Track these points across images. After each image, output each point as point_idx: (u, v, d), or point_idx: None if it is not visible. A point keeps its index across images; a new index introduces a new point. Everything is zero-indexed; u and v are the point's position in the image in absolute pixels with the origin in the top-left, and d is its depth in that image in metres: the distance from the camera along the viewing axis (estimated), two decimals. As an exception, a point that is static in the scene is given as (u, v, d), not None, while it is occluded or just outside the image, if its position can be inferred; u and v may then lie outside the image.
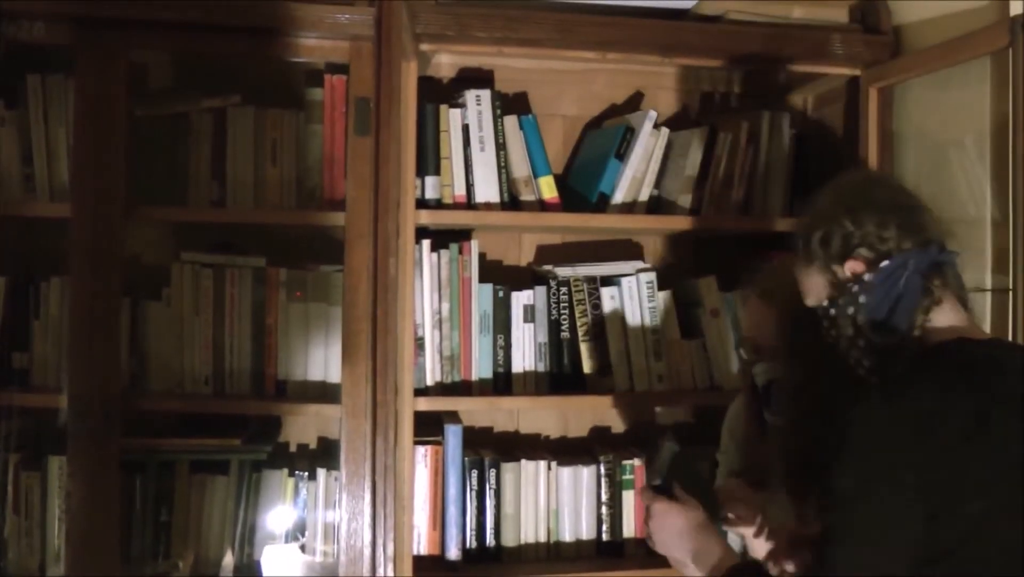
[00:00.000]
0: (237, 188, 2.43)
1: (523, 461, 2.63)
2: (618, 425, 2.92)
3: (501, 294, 2.59)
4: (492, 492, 2.59)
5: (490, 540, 2.59)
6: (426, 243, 2.54)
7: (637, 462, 2.68)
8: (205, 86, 2.47)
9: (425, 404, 2.48)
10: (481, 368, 2.56)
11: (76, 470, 2.17)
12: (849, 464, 1.50)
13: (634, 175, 2.63)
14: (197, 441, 2.46)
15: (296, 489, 2.50)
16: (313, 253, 2.51)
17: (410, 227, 2.43)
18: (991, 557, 1.48)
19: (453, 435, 2.55)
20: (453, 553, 2.54)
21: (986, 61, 2.21)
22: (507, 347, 2.59)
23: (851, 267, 1.69)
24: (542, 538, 2.63)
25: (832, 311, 1.72)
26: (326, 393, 2.42)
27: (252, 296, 2.46)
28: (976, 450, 1.47)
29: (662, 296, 2.66)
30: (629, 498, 2.66)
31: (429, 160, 2.53)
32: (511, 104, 2.78)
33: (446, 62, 2.79)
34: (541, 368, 2.61)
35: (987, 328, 2.18)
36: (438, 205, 2.53)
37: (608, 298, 2.63)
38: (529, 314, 2.60)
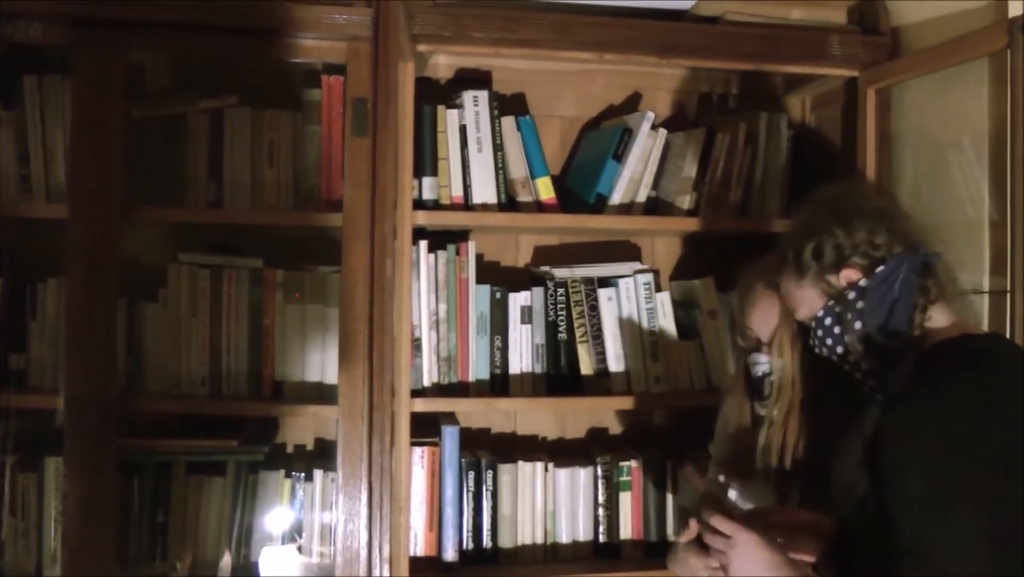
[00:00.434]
0: (234, 189, 2.43)
1: (520, 462, 2.63)
2: (615, 426, 2.92)
3: (498, 295, 2.59)
4: (489, 493, 2.59)
5: (487, 541, 2.59)
6: (423, 244, 2.54)
7: (634, 464, 2.68)
8: (202, 87, 2.47)
9: (422, 405, 2.48)
10: (478, 369, 2.56)
11: (73, 471, 2.17)
12: (918, 471, 1.50)
13: (632, 176, 2.62)
14: (194, 442, 2.45)
15: (293, 490, 2.49)
16: (310, 254, 2.51)
17: (407, 228, 2.43)
18: None
19: (450, 436, 2.56)
20: (450, 554, 2.55)
21: (984, 62, 2.21)
22: (504, 348, 2.59)
23: (847, 276, 1.73)
24: (539, 539, 2.63)
25: (828, 320, 1.73)
26: (323, 394, 2.41)
27: (249, 297, 2.46)
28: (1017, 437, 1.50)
29: (660, 297, 2.66)
30: (626, 500, 2.66)
31: (426, 161, 2.53)
32: (509, 105, 2.78)
33: (443, 63, 2.78)
34: (538, 369, 2.60)
35: (984, 329, 2.18)
36: (435, 206, 2.53)
37: (605, 299, 2.63)
38: (526, 315, 2.60)
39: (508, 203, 2.59)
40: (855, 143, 2.59)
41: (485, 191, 2.55)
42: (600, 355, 2.61)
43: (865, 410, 1.72)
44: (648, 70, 2.83)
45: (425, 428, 2.58)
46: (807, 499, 1.94)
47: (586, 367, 2.61)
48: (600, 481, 2.66)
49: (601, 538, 2.65)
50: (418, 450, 2.55)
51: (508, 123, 2.58)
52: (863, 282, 1.71)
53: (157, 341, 2.43)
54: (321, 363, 2.46)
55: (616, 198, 2.61)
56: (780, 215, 2.68)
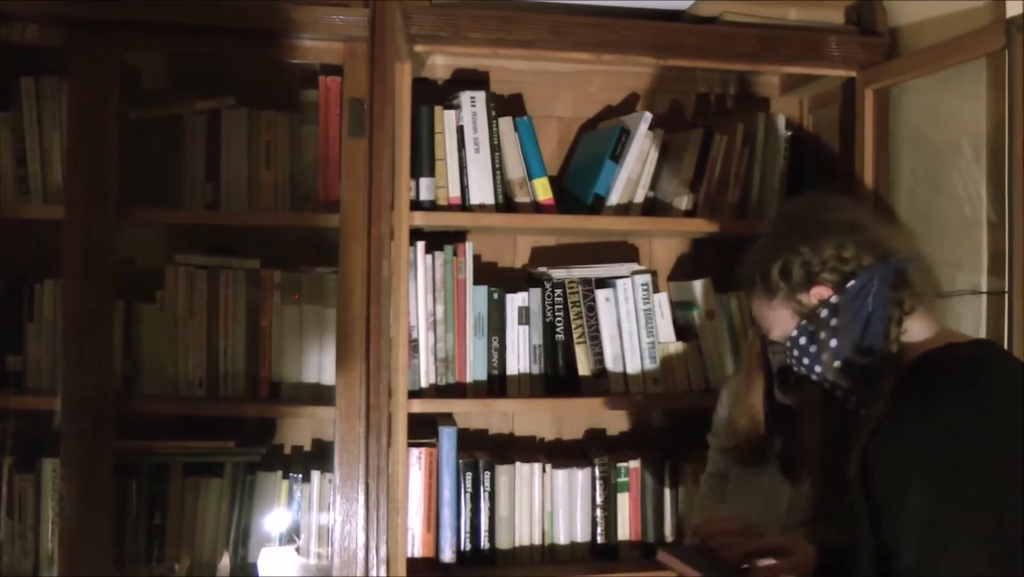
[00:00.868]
0: (231, 190, 2.43)
1: (517, 463, 2.63)
2: (613, 427, 2.92)
3: (496, 296, 2.59)
4: (486, 494, 2.59)
5: (484, 542, 2.59)
6: (420, 245, 2.54)
7: (632, 465, 2.68)
8: (199, 88, 2.47)
9: (419, 406, 2.48)
10: (475, 370, 2.56)
11: (70, 473, 2.16)
12: (914, 494, 1.47)
13: (629, 177, 2.62)
14: (191, 443, 2.45)
15: (290, 491, 2.49)
16: (307, 255, 2.51)
17: (404, 229, 2.43)
18: None
19: (447, 437, 2.56)
20: (447, 555, 2.55)
21: (982, 63, 2.21)
22: (501, 349, 2.59)
23: (817, 293, 1.68)
24: (536, 540, 2.63)
25: (802, 340, 1.70)
26: (320, 395, 2.41)
27: (246, 298, 2.46)
28: (1009, 447, 1.48)
29: (657, 298, 2.66)
30: (624, 501, 2.66)
31: (423, 162, 2.53)
32: (506, 105, 2.78)
33: (441, 63, 2.78)
34: (536, 370, 2.60)
35: (982, 330, 2.18)
36: (432, 207, 2.53)
37: (603, 300, 2.63)
38: (524, 316, 2.60)
39: (505, 204, 2.58)
40: (853, 144, 2.58)
41: (482, 192, 2.55)
42: (598, 356, 2.61)
43: (857, 426, 1.70)
44: (646, 71, 2.83)
45: (422, 429, 2.58)
46: (821, 488, 1.93)
47: (584, 368, 2.60)
48: (598, 482, 2.66)
49: (599, 539, 2.65)
50: (415, 451, 2.55)
51: (505, 124, 2.58)
52: (834, 299, 1.67)
53: (154, 342, 2.43)
54: (318, 364, 2.46)
55: (614, 199, 2.61)
56: (778, 216, 2.67)
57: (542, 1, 2.56)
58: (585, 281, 2.64)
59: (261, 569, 2.39)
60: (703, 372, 2.68)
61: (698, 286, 2.70)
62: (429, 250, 2.55)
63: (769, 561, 1.77)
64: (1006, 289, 2.08)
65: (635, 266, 2.74)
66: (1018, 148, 2.04)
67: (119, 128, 2.21)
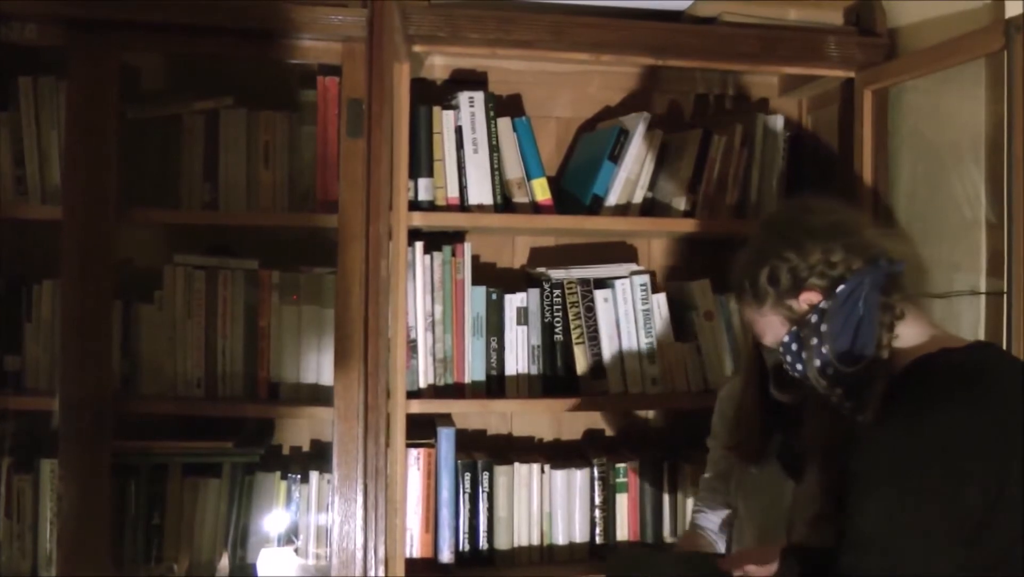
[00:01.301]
0: (230, 190, 2.43)
1: (516, 464, 2.63)
2: (612, 428, 2.91)
3: (494, 296, 2.59)
4: (485, 495, 2.59)
5: (483, 543, 2.59)
6: (419, 245, 2.53)
7: (630, 465, 2.68)
8: (197, 88, 2.47)
9: (418, 407, 2.48)
10: (474, 370, 2.56)
11: (68, 473, 2.16)
12: (874, 499, 1.47)
13: (628, 177, 2.62)
14: (189, 444, 2.45)
15: (289, 492, 2.49)
16: (306, 255, 2.50)
17: (403, 229, 2.43)
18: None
19: (446, 438, 2.56)
20: (446, 556, 2.54)
21: (981, 63, 2.21)
22: (500, 349, 2.59)
23: (806, 298, 1.66)
24: (535, 541, 2.62)
25: (794, 346, 1.69)
26: (319, 396, 2.41)
27: (245, 298, 2.45)
28: (1002, 460, 1.46)
29: (656, 299, 2.66)
30: (622, 501, 2.66)
31: (422, 162, 2.53)
32: (504, 106, 2.78)
33: (439, 64, 2.78)
34: (534, 371, 2.60)
35: (981, 331, 2.18)
36: (431, 207, 2.53)
37: (602, 301, 2.63)
38: (522, 316, 2.60)
39: (504, 204, 2.58)
40: (852, 144, 2.58)
41: (481, 192, 2.55)
42: (596, 356, 2.61)
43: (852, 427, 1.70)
44: (644, 71, 2.83)
45: (421, 429, 2.58)
46: (831, 483, 1.93)
47: (582, 368, 2.60)
48: (596, 482, 2.66)
49: (597, 540, 2.65)
50: (414, 452, 2.55)
51: (504, 124, 2.58)
52: (824, 304, 1.64)
53: (152, 343, 2.43)
54: (317, 364, 2.46)
55: (612, 199, 2.61)
56: (777, 216, 2.67)
57: (541, 1, 2.56)
58: (584, 281, 2.64)
59: (260, 569, 2.39)
60: (702, 373, 2.67)
61: (696, 287, 2.70)
62: (427, 250, 2.55)
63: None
64: (1005, 290, 2.08)
65: (633, 266, 2.74)
66: (1017, 149, 2.04)
67: (117, 128, 2.21)
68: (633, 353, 2.63)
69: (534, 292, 2.62)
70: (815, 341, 1.65)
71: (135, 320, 2.43)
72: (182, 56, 2.55)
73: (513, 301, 2.60)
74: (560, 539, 2.64)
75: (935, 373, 1.56)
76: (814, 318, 1.65)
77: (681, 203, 2.64)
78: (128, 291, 2.40)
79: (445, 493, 2.55)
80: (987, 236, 2.21)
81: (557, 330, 2.62)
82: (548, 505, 2.64)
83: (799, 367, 1.69)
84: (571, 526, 2.65)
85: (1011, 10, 2.12)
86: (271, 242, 2.54)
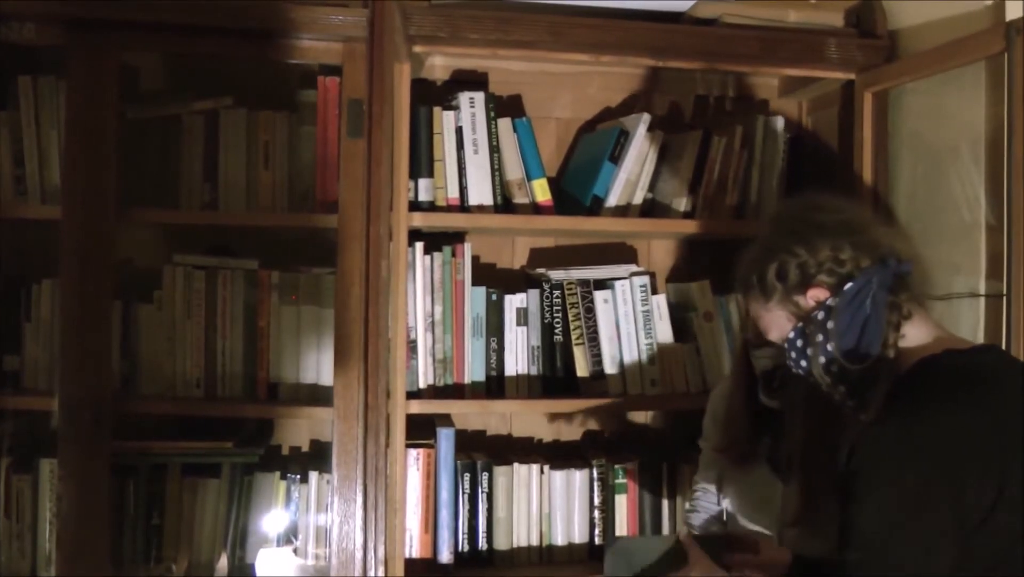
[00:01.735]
0: (229, 190, 2.42)
1: (515, 464, 2.63)
2: (611, 429, 2.91)
3: (494, 297, 2.59)
4: (484, 495, 2.59)
5: (482, 543, 2.59)
6: (419, 246, 2.53)
7: (630, 466, 2.68)
8: (197, 88, 2.47)
9: (417, 407, 2.48)
10: (474, 371, 2.56)
11: (67, 473, 2.16)
12: (875, 498, 1.47)
13: (628, 178, 2.62)
14: (189, 444, 2.45)
15: (288, 492, 2.49)
16: (306, 256, 2.50)
17: (403, 230, 2.43)
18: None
19: (445, 438, 2.56)
20: (445, 556, 2.54)
21: (981, 66, 2.21)
22: (500, 350, 2.59)
23: (814, 295, 1.66)
24: (534, 541, 2.63)
25: (799, 342, 1.69)
26: (318, 396, 2.41)
27: (244, 299, 2.45)
28: (1003, 462, 1.46)
29: (655, 300, 2.66)
30: (621, 502, 2.66)
31: (422, 162, 2.52)
32: (505, 106, 2.78)
33: (439, 64, 2.78)
34: (534, 371, 2.60)
35: (980, 333, 2.18)
36: (431, 207, 2.53)
37: (601, 301, 2.63)
38: (522, 317, 2.60)
39: (504, 205, 2.58)
40: (852, 146, 2.59)
41: (481, 193, 2.55)
42: (596, 357, 2.61)
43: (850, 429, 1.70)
44: (644, 72, 2.83)
45: (420, 430, 2.57)
46: (809, 488, 1.94)
47: (582, 369, 2.60)
48: (596, 483, 2.66)
49: (597, 540, 2.65)
50: (413, 452, 2.54)
51: (504, 125, 2.58)
52: (831, 301, 1.64)
53: (152, 343, 2.43)
54: (316, 365, 2.46)
55: (612, 200, 2.61)
56: (776, 217, 2.67)
57: (541, 2, 2.55)
58: (583, 282, 2.64)
59: (259, 570, 2.39)
60: (701, 374, 2.68)
61: (696, 288, 2.70)
62: (428, 251, 2.55)
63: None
64: (1004, 292, 2.08)
65: (633, 267, 2.74)
66: (1017, 151, 2.04)
67: (117, 128, 2.21)
68: (633, 354, 2.63)
69: (534, 293, 2.62)
70: (821, 338, 1.65)
71: (134, 320, 2.43)
72: (182, 56, 2.55)
73: (513, 302, 2.60)
74: (559, 540, 2.64)
75: (939, 374, 1.56)
76: (821, 315, 1.65)
77: (681, 204, 2.64)
78: (127, 291, 2.39)
79: (444, 493, 2.55)
80: (987, 238, 2.21)
81: (557, 331, 2.62)
82: (547, 506, 2.64)
83: (803, 364, 1.69)
84: (570, 527, 2.65)
85: (1012, 12, 2.12)
86: (271, 242, 2.54)
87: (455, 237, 2.65)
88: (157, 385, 2.42)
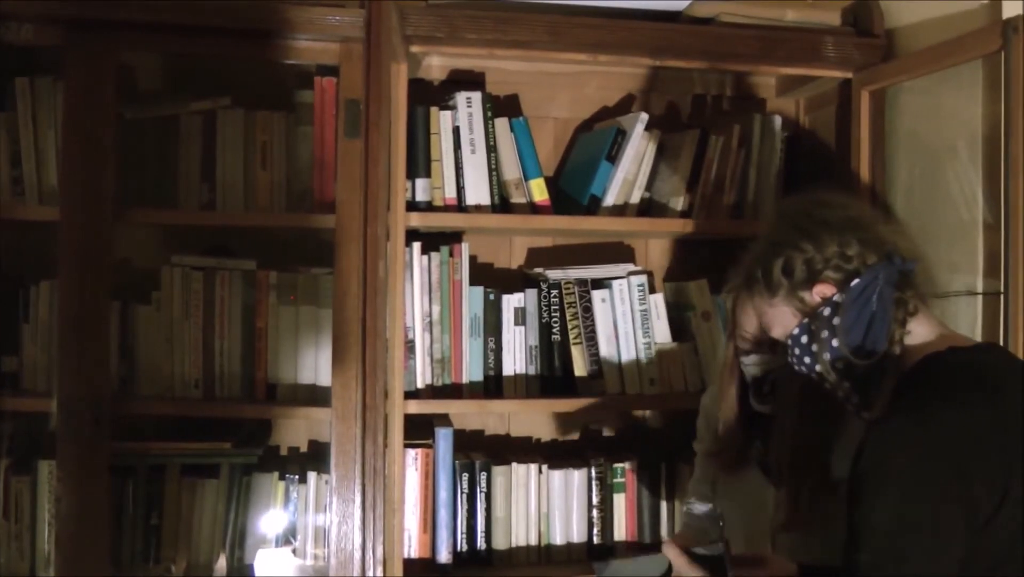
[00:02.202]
0: (227, 191, 2.43)
1: (514, 464, 2.63)
2: (609, 428, 2.91)
3: (492, 297, 2.59)
4: (483, 495, 2.59)
5: (481, 543, 2.59)
6: (416, 246, 2.53)
7: (628, 465, 2.68)
8: (194, 88, 2.47)
9: (415, 407, 2.48)
10: (472, 371, 2.56)
11: (66, 474, 2.16)
12: (885, 496, 1.46)
13: (625, 178, 2.62)
14: (187, 445, 2.45)
15: (287, 492, 2.49)
16: (303, 256, 2.50)
17: (400, 230, 2.43)
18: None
19: (443, 438, 2.55)
20: (444, 556, 2.54)
21: (978, 64, 2.21)
22: (498, 350, 2.59)
23: (820, 291, 1.66)
24: (533, 541, 2.63)
25: (804, 339, 1.69)
26: (316, 396, 2.41)
27: (242, 299, 2.45)
28: (1008, 459, 1.46)
29: (653, 299, 2.66)
30: (620, 501, 2.67)
31: (419, 162, 2.52)
32: (502, 106, 2.78)
33: (437, 64, 2.78)
34: (532, 371, 2.60)
35: (978, 331, 2.18)
36: (428, 208, 2.53)
37: (599, 301, 2.62)
38: (520, 317, 2.60)
39: (502, 205, 2.58)
40: (849, 145, 2.58)
41: (478, 193, 2.55)
42: (594, 357, 2.61)
43: (853, 427, 1.69)
44: (642, 71, 2.83)
45: (419, 430, 2.58)
46: (805, 495, 1.94)
47: (580, 369, 2.60)
48: (594, 483, 2.66)
49: (595, 540, 2.65)
50: (412, 452, 2.54)
51: (502, 124, 2.58)
52: (837, 297, 1.64)
53: (150, 343, 2.43)
54: (314, 365, 2.46)
55: (610, 200, 2.61)
56: (774, 217, 2.67)
57: (538, 2, 2.56)
58: (581, 282, 2.64)
59: (257, 570, 2.39)
60: (699, 373, 2.67)
61: (694, 287, 2.70)
62: (425, 251, 2.55)
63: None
64: (1001, 290, 2.08)
65: (631, 267, 2.73)
66: (1014, 149, 2.04)
67: (115, 128, 2.21)
68: (631, 353, 2.63)
69: (532, 292, 2.62)
70: (826, 334, 1.65)
71: (133, 321, 2.43)
72: (179, 56, 2.55)
73: (511, 301, 2.60)
74: (558, 539, 2.64)
75: (944, 371, 1.56)
76: (826, 311, 1.65)
77: (679, 203, 2.64)
78: (126, 292, 2.40)
79: (443, 493, 2.55)
80: (984, 236, 2.21)
81: (555, 330, 2.62)
82: (546, 505, 2.64)
83: (807, 360, 1.69)
84: (569, 526, 2.65)
85: (1009, 11, 2.12)
86: (269, 242, 2.54)
87: (453, 237, 2.65)
88: (155, 386, 2.42)
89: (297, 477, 2.49)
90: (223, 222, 2.46)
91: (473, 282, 2.58)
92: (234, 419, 2.57)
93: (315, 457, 2.66)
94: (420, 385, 2.53)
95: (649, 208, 2.70)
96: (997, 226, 2.11)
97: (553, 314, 2.62)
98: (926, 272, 1.71)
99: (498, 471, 2.61)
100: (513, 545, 2.62)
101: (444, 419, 2.68)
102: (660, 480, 2.70)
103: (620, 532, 2.66)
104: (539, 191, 2.59)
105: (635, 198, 2.65)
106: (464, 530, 2.58)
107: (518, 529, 2.62)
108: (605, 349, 2.62)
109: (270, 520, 2.49)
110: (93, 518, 2.18)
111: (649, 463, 2.70)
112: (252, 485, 2.48)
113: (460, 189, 2.54)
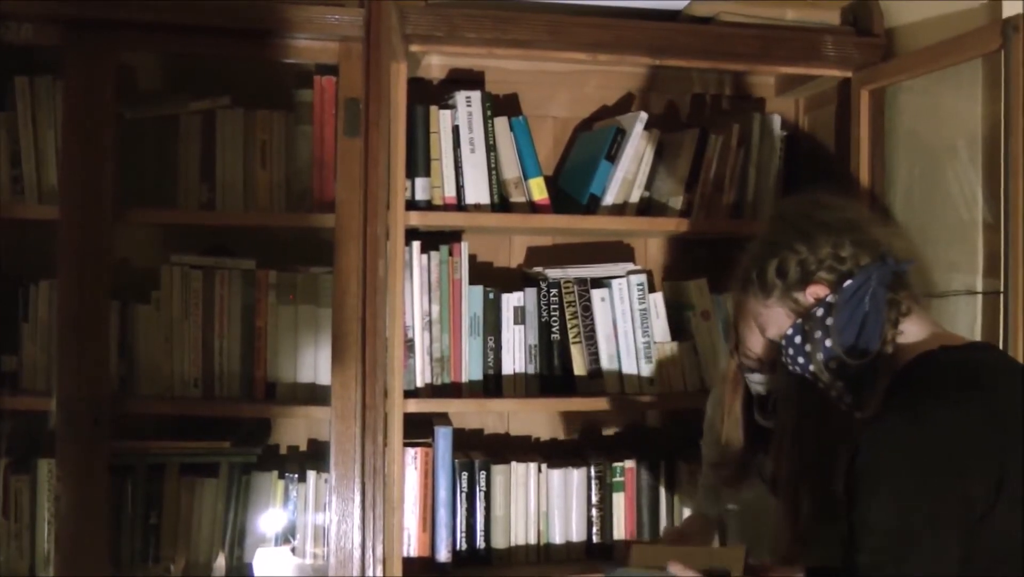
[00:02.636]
0: (226, 190, 2.42)
1: (513, 463, 2.63)
2: (609, 427, 2.92)
3: (491, 296, 2.59)
4: (482, 494, 2.59)
5: (480, 542, 2.59)
6: (416, 245, 2.53)
7: (628, 464, 2.68)
8: (194, 88, 2.47)
9: (415, 406, 2.48)
10: (471, 370, 2.56)
11: (65, 473, 2.16)
12: (880, 496, 1.46)
13: (625, 177, 2.62)
14: (187, 444, 2.45)
15: (286, 491, 2.49)
16: (303, 255, 2.51)
17: (400, 229, 2.43)
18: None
19: (443, 437, 2.55)
20: (443, 555, 2.54)
21: (978, 63, 2.21)
22: (497, 349, 2.59)
23: (813, 292, 1.67)
24: (532, 540, 2.63)
25: (798, 339, 1.70)
26: (316, 395, 2.41)
27: (242, 298, 2.45)
28: (1002, 456, 1.47)
29: (653, 298, 2.66)
30: (619, 500, 2.67)
31: (419, 161, 2.52)
32: (501, 105, 2.77)
33: (436, 63, 2.78)
34: (531, 370, 2.60)
35: (977, 331, 2.18)
36: (428, 207, 2.53)
37: (599, 300, 2.62)
38: (519, 316, 2.60)
39: (501, 204, 2.58)
40: (848, 144, 2.58)
41: (478, 192, 2.55)
42: (593, 356, 2.61)
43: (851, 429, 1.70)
44: (642, 71, 2.82)
45: (418, 429, 2.57)
46: (800, 506, 1.93)
47: (579, 368, 2.60)
48: (593, 482, 2.66)
49: (594, 539, 2.66)
50: (411, 451, 2.54)
51: (501, 124, 2.58)
52: (830, 297, 1.65)
53: (150, 343, 2.43)
54: (314, 364, 2.46)
55: (609, 199, 2.61)
56: (773, 216, 2.67)
57: (538, 1, 2.56)
58: (581, 281, 2.64)
59: (257, 569, 2.39)
60: (698, 372, 2.67)
61: (693, 286, 2.70)
62: (425, 250, 2.55)
63: None
64: (1001, 289, 2.08)
65: (630, 266, 2.74)
66: (1014, 149, 2.04)
67: (114, 128, 2.21)
68: (630, 352, 2.62)
69: (531, 292, 2.62)
70: (819, 334, 1.66)
71: (132, 320, 2.43)
72: (179, 56, 2.54)
73: (510, 301, 2.60)
74: (557, 538, 2.64)
75: (936, 370, 1.57)
76: (820, 312, 1.66)
77: (678, 203, 2.64)
78: (125, 291, 2.40)
79: (442, 492, 2.55)
80: (984, 236, 2.21)
81: (554, 330, 2.62)
82: (545, 504, 2.64)
83: (801, 360, 1.70)
84: (568, 525, 2.65)
85: (1008, 10, 2.12)
86: (268, 242, 2.54)
87: (452, 236, 2.65)
88: (155, 385, 2.42)
89: (296, 476, 2.50)
90: (223, 222, 2.46)
91: (472, 281, 2.58)
92: (233, 418, 2.56)
93: (314, 456, 2.66)
94: (419, 384, 2.53)
95: (648, 207, 2.70)
96: (997, 226, 2.11)
97: (552, 313, 2.62)
98: (921, 272, 1.72)
99: (497, 470, 2.61)
100: (512, 544, 2.62)
101: (443, 418, 2.68)
102: (659, 479, 2.70)
103: (619, 531, 2.66)
104: (538, 190, 2.59)
105: (634, 197, 2.65)
106: (463, 529, 2.58)
107: (517, 528, 2.62)
108: (604, 348, 2.62)
109: (269, 519, 2.49)
110: (92, 517, 2.18)
111: (648, 462, 2.70)
112: (251, 484, 2.48)
113: (460, 188, 2.54)
